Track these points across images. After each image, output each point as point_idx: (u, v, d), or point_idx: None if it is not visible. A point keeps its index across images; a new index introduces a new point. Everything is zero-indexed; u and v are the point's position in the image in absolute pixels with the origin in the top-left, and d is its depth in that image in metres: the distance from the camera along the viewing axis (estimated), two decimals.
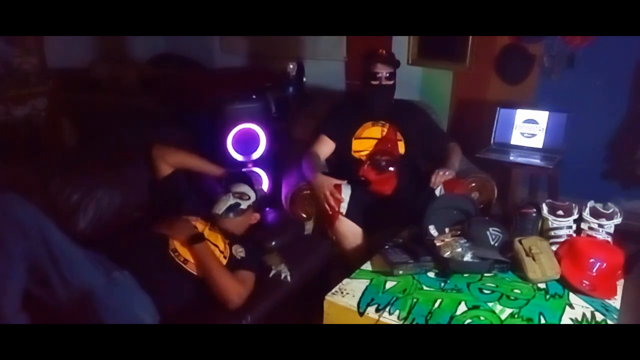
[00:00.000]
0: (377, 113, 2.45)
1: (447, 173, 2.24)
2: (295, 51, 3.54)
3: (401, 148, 2.42)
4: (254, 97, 2.53)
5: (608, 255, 1.71)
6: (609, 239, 1.83)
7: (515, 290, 1.64)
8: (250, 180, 2.09)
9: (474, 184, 2.40)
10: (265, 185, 2.54)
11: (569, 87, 2.94)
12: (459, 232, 1.81)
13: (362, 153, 2.41)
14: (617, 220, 1.84)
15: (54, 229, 1.51)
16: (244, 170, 2.41)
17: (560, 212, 1.89)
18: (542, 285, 1.67)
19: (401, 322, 1.48)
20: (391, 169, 2.36)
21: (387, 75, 2.38)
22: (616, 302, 1.62)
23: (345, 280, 1.68)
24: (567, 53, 2.90)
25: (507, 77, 3.11)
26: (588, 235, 1.85)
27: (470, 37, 3.11)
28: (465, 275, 1.71)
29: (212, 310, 1.69)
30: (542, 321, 1.50)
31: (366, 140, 2.43)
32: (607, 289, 1.65)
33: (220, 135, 2.43)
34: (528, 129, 2.90)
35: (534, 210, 1.91)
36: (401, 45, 3.26)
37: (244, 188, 2.01)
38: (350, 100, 2.66)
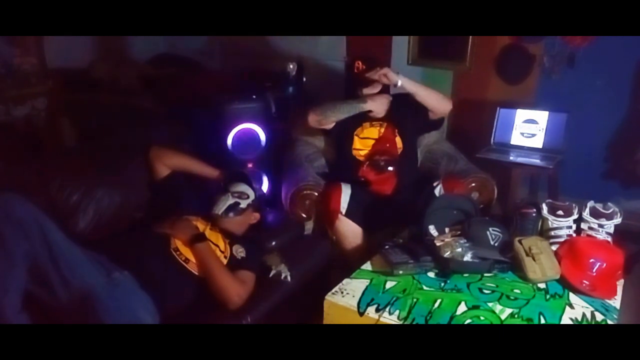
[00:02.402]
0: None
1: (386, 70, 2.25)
2: (295, 51, 3.54)
3: (399, 143, 2.43)
4: (254, 97, 2.53)
5: (608, 255, 1.71)
6: (609, 239, 1.83)
7: (515, 290, 1.64)
8: (249, 179, 2.09)
9: (474, 184, 2.40)
10: (265, 185, 2.54)
11: (569, 87, 2.94)
12: (459, 232, 1.81)
13: (361, 152, 2.41)
14: (617, 220, 1.84)
15: (55, 229, 1.51)
16: (243, 170, 2.41)
17: (560, 212, 1.90)
18: (542, 285, 1.67)
19: (401, 322, 1.48)
20: (390, 168, 2.36)
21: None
22: (616, 302, 1.62)
23: (345, 280, 1.68)
24: (567, 53, 2.90)
25: (507, 77, 3.11)
26: (588, 235, 1.85)
27: (470, 37, 3.11)
28: (465, 275, 1.71)
29: (212, 310, 1.70)
30: (542, 321, 1.50)
31: (365, 140, 2.43)
32: (607, 289, 1.65)
33: (220, 135, 2.43)
34: (528, 129, 2.90)
35: (534, 210, 1.91)
36: (401, 45, 3.26)
37: (243, 187, 2.01)
38: (350, 99, 2.66)
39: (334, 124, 2.41)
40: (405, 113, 2.43)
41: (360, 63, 2.33)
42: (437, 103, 2.37)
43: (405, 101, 2.45)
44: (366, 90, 2.36)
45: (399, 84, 2.27)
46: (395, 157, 2.39)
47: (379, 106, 2.37)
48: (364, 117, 2.43)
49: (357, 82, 2.37)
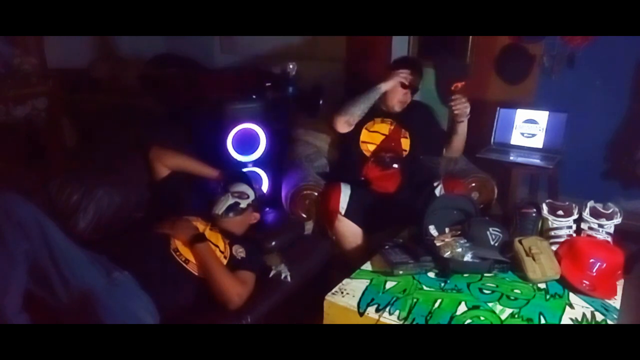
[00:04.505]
0: (388, 110, 2.45)
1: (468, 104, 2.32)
2: (295, 51, 3.54)
3: (405, 144, 2.43)
4: (254, 97, 2.53)
5: (608, 255, 1.71)
6: (609, 239, 1.83)
7: (516, 291, 1.64)
8: (249, 179, 2.09)
9: (474, 184, 2.40)
10: (265, 185, 2.54)
11: (569, 87, 2.94)
12: (459, 232, 1.81)
13: (369, 146, 2.42)
14: (617, 220, 1.84)
15: (55, 229, 1.51)
16: (243, 170, 2.41)
17: (560, 212, 1.90)
18: (542, 285, 1.67)
19: (401, 322, 1.48)
20: (395, 165, 2.37)
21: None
22: (616, 302, 1.62)
23: (345, 280, 1.68)
24: (567, 53, 2.91)
25: (507, 77, 3.11)
26: (588, 235, 1.85)
27: (470, 37, 3.11)
28: (466, 275, 1.71)
29: (212, 310, 1.70)
30: (542, 321, 1.50)
31: (374, 134, 2.43)
32: (607, 289, 1.65)
33: (220, 135, 2.43)
34: (528, 129, 2.90)
35: (534, 210, 1.91)
36: (401, 45, 3.26)
37: (243, 187, 2.01)
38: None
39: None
40: (424, 126, 2.49)
41: (459, 85, 2.37)
42: (460, 147, 2.50)
43: (429, 117, 2.56)
44: (401, 98, 2.40)
45: (463, 123, 2.38)
46: (400, 155, 2.40)
47: (395, 83, 2.37)
48: (376, 112, 2.44)
49: (394, 96, 2.39)
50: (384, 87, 2.35)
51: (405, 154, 2.43)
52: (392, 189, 2.37)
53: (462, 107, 2.32)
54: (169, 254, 1.75)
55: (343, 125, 2.39)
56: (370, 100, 2.36)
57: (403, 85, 2.37)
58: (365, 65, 3.17)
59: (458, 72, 2.52)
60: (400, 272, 1.70)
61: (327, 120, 2.47)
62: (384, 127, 2.44)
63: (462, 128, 2.41)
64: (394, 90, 2.38)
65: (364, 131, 2.43)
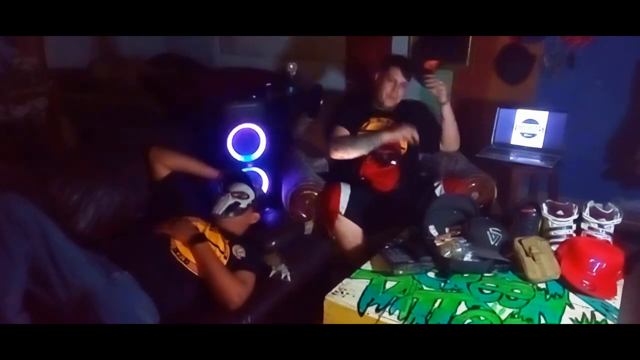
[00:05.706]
0: (382, 108, 2.45)
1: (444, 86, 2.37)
2: (295, 51, 3.54)
3: (403, 142, 2.43)
4: (254, 97, 2.53)
5: (608, 255, 1.71)
6: (609, 239, 1.83)
7: (515, 290, 1.64)
8: (249, 179, 2.09)
9: (474, 184, 2.40)
10: (265, 185, 2.54)
11: (569, 87, 2.94)
12: (459, 232, 1.81)
13: None
14: (617, 220, 1.84)
15: (55, 229, 1.51)
16: (243, 170, 2.41)
17: (560, 212, 1.90)
18: (542, 285, 1.67)
19: (401, 322, 1.48)
20: (393, 162, 2.37)
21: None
22: (616, 302, 1.62)
23: (345, 280, 1.68)
24: (567, 53, 2.91)
25: (507, 77, 3.11)
26: (588, 235, 1.85)
27: (470, 37, 3.11)
28: (465, 275, 1.71)
29: (212, 310, 1.70)
30: (542, 321, 1.50)
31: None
32: (607, 289, 1.65)
33: (220, 135, 2.43)
34: (528, 129, 2.90)
35: (534, 210, 1.91)
36: (401, 45, 3.26)
37: (243, 187, 2.01)
38: (356, 98, 2.69)
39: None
40: (422, 123, 2.47)
41: (433, 64, 2.48)
42: (454, 138, 2.50)
43: (425, 114, 2.56)
44: (389, 92, 2.38)
45: (446, 105, 2.40)
46: (398, 152, 2.40)
47: (398, 136, 2.35)
48: (371, 112, 2.44)
49: (382, 90, 2.39)
50: (386, 137, 2.33)
51: (403, 151, 2.43)
52: (391, 186, 2.37)
53: (437, 85, 2.36)
54: (169, 254, 1.75)
55: (337, 157, 2.39)
56: (370, 146, 2.33)
57: (389, 79, 2.37)
58: (366, 66, 3.16)
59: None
60: (400, 272, 1.70)
61: (323, 140, 2.47)
62: (379, 126, 2.44)
63: (447, 110, 2.43)
64: (382, 85, 2.39)
65: (359, 133, 2.42)
